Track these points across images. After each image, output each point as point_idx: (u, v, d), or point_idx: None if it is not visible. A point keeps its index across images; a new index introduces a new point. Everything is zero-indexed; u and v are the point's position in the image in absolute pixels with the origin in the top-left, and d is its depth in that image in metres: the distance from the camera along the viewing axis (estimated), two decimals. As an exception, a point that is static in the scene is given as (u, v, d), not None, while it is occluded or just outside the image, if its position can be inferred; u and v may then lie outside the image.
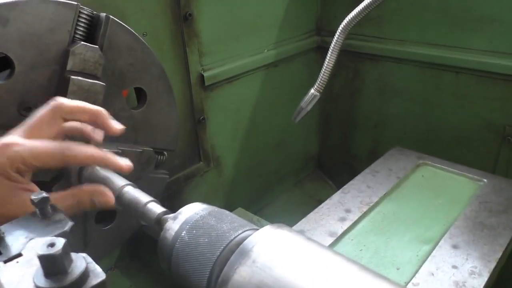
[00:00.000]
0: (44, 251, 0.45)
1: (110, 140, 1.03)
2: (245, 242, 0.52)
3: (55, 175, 0.90)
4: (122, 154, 1.01)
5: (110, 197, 0.76)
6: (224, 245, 0.54)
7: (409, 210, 1.19)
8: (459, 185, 1.29)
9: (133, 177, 1.09)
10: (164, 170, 1.23)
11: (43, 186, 0.90)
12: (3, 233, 0.58)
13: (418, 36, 1.66)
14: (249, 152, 1.88)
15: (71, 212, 0.72)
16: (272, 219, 1.73)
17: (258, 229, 0.58)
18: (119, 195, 0.78)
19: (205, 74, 1.54)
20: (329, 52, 1.13)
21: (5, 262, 0.52)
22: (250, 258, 0.50)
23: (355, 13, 1.08)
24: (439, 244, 1.04)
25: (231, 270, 0.50)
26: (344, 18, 1.83)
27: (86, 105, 0.78)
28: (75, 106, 0.76)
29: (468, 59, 1.53)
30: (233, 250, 0.53)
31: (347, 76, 1.97)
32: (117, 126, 0.81)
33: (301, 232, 0.52)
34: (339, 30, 1.11)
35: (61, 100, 0.75)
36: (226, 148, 1.78)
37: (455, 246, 1.03)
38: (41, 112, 0.74)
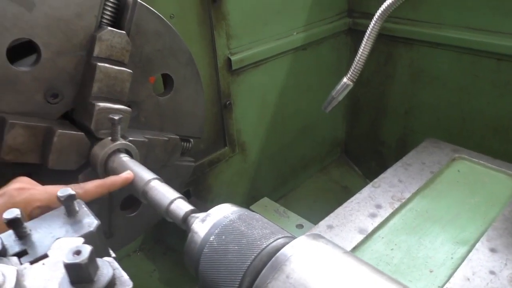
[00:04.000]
0: (70, 259, 0.43)
1: (136, 128, 1.01)
2: (278, 254, 0.49)
3: (81, 164, 0.89)
4: (148, 142, 0.99)
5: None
6: (255, 255, 0.51)
7: (443, 208, 1.14)
8: (498, 182, 1.22)
9: (159, 165, 1.07)
10: (190, 157, 1.21)
11: (70, 175, 0.90)
12: (30, 230, 0.57)
13: (456, 20, 1.57)
14: (274, 137, 1.85)
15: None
16: (298, 207, 1.71)
17: (291, 237, 0.54)
18: (144, 190, 0.76)
19: (233, 58, 1.50)
20: (364, 40, 1.07)
21: (31, 263, 0.51)
22: (283, 273, 0.47)
23: (395, -2, 1.00)
24: (476, 246, 0.99)
25: (263, 284, 0.47)
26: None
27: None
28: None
29: (511, 45, 1.43)
30: (265, 261, 0.50)
31: (378, 60, 1.89)
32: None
33: (337, 245, 0.49)
34: (376, 17, 1.05)
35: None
36: (252, 133, 1.75)
37: (493, 250, 0.97)
38: None
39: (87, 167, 0.90)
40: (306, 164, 2.10)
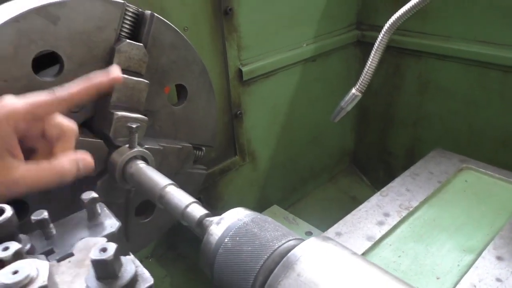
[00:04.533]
0: (97, 256, 0.47)
1: (151, 137, 1.05)
2: (290, 254, 0.52)
3: (100, 170, 0.92)
4: (163, 150, 1.02)
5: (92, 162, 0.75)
6: (268, 255, 0.54)
7: (450, 217, 1.16)
8: (505, 192, 1.24)
9: (173, 172, 1.11)
10: (202, 165, 1.25)
11: (88, 181, 0.93)
12: (55, 231, 0.60)
13: (464, 33, 1.60)
14: (284, 146, 1.88)
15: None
16: (307, 216, 1.73)
17: (301, 239, 0.57)
18: (161, 195, 0.79)
19: (244, 69, 1.54)
20: (373, 52, 1.10)
21: (58, 260, 0.54)
22: (294, 272, 0.50)
23: (403, 11, 1.04)
24: (482, 254, 1.00)
25: (275, 282, 0.50)
26: (386, 13, 1.79)
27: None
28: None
29: (518, 57, 1.46)
30: (277, 261, 0.53)
31: (387, 71, 1.92)
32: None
33: (346, 247, 0.52)
34: (384, 30, 1.08)
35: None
36: (262, 142, 1.78)
37: (499, 258, 0.99)
38: None
39: (105, 173, 0.93)
40: (315, 173, 2.13)
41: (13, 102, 0.66)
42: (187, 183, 1.20)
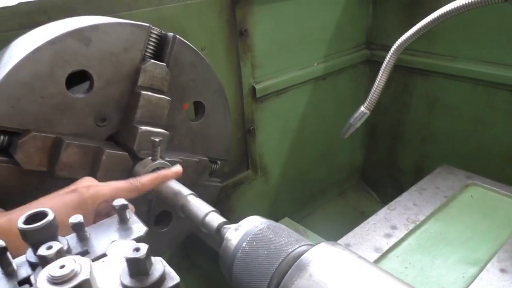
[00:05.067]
0: (131, 254, 0.52)
1: (172, 150, 1.11)
2: (303, 257, 0.58)
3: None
4: (181, 163, 1.09)
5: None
6: (282, 258, 0.60)
7: (456, 230, 1.20)
8: (510, 208, 1.28)
9: (190, 185, 1.17)
10: (217, 178, 1.31)
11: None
12: (89, 234, 0.66)
13: (471, 53, 1.65)
14: (295, 162, 1.94)
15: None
16: (316, 229, 1.77)
17: (313, 245, 0.63)
18: (182, 204, 0.85)
19: (257, 87, 1.61)
20: (381, 71, 1.16)
21: (93, 260, 0.60)
22: (307, 272, 0.55)
23: (411, 33, 1.09)
24: (486, 267, 1.04)
25: (289, 282, 0.55)
26: (395, 33, 1.85)
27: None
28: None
29: (524, 78, 1.51)
30: (291, 264, 0.58)
31: (395, 90, 1.97)
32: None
33: (353, 251, 0.57)
34: (392, 50, 1.13)
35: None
36: (273, 157, 1.84)
37: (503, 270, 1.03)
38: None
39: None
40: (324, 188, 2.18)
41: (99, 186, 0.81)
42: (203, 195, 1.25)
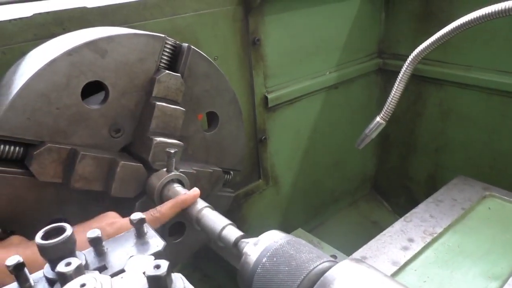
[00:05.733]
0: (151, 272, 0.51)
1: (185, 161, 1.10)
2: (326, 274, 0.56)
3: (138, 193, 0.98)
4: (196, 173, 1.08)
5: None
6: (304, 275, 0.58)
7: (475, 243, 1.17)
8: (529, 220, 1.25)
9: (204, 195, 1.16)
10: (229, 188, 1.30)
11: (127, 202, 0.99)
12: (107, 248, 0.65)
13: (485, 63, 1.63)
14: (306, 171, 1.92)
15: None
16: (329, 239, 1.75)
17: (335, 261, 0.61)
18: (198, 217, 0.84)
19: (269, 96, 1.60)
20: (397, 81, 1.14)
21: (111, 276, 0.59)
22: (331, 291, 0.53)
23: (428, 43, 1.07)
24: (508, 281, 1.01)
25: (313, 300, 0.53)
26: (407, 43, 1.85)
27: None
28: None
29: (540, 87, 1.49)
30: (313, 281, 0.56)
31: (408, 99, 1.95)
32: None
33: (378, 269, 0.55)
34: (409, 60, 1.12)
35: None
36: (285, 167, 1.82)
37: (525, 285, 1.00)
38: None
39: (143, 195, 0.99)
40: (336, 198, 2.15)
41: (121, 221, 0.83)
42: (216, 205, 1.24)
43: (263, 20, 1.49)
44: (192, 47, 1.04)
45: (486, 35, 1.59)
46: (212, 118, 1.18)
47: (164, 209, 0.88)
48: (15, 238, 0.81)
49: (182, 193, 0.91)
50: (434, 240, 1.19)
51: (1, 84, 0.87)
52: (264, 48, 1.54)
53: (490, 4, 0.94)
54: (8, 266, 0.52)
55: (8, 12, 1.04)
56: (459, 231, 1.23)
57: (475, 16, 0.96)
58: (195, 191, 0.91)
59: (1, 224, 0.84)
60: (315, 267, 0.59)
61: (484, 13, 0.95)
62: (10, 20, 1.00)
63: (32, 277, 0.57)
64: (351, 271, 0.56)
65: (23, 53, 0.93)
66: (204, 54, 1.08)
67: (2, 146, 0.81)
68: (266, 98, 1.60)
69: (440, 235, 1.21)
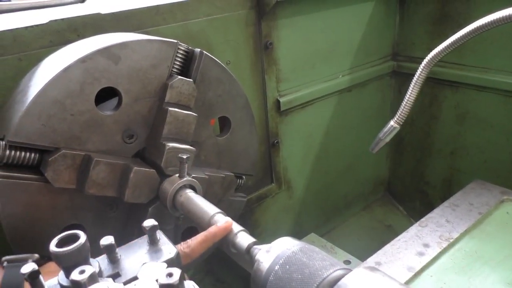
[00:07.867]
0: (164, 280, 0.51)
1: (198, 166, 1.10)
2: (340, 283, 0.55)
3: (151, 198, 0.98)
4: (208, 179, 1.08)
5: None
6: (317, 283, 0.57)
7: (493, 249, 1.14)
8: (548, 225, 1.22)
9: (216, 200, 1.16)
10: (242, 193, 1.29)
11: (140, 208, 0.99)
12: (120, 255, 0.65)
13: (502, 65, 1.60)
14: (319, 175, 1.91)
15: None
16: (342, 244, 1.74)
17: (348, 269, 0.60)
18: (210, 223, 0.84)
19: (281, 100, 1.60)
20: (412, 85, 1.13)
21: (124, 284, 0.59)
22: (345, 300, 0.52)
23: (444, 46, 1.05)
24: (528, 289, 0.99)
25: (327, 310, 0.53)
26: (422, 45, 1.82)
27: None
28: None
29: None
30: (327, 289, 0.56)
31: (423, 101, 1.93)
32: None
33: (393, 277, 0.54)
34: (424, 63, 1.10)
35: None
36: (297, 170, 1.81)
37: (546, 293, 0.97)
38: None
39: (156, 201, 0.99)
40: (349, 202, 2.14)
41: None
42: (228, 210, 1.24)
43: (276, 24, 1.48)
44: (205, 52, 1.04)
45: (504, 37, 1.56)
46: (224, 123, 1.18)
47: (194, 245, 0.81)
48: (52, 265, 0.80)
49: (213, 227, 0.84)
50: (450, 246, 1.17)
51: (16, 91, 0.89)
52: (277, 52, 1.54)
53: (507, 7, 0.92)
54: (23, 274, 0.52)
55: (24, 19, 1.06)
56: (476, 237, 1.20)
57: (492, 19, 0.94)
58: (227, 222, 0.83)
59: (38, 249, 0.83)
60: (328, 275, 0.58)
61: (501, 16, 0.93)
62: (26, 27, 1.02)
63: (47, 284, 0.58)
64: (365, 280, 0.55)
65: (39, 59, 0.94)
66: (217, 59, 1.08)
67: (18, 153, 0.82)
68: (278, 102, 1.59)
69: (457, 240, 1.19)
